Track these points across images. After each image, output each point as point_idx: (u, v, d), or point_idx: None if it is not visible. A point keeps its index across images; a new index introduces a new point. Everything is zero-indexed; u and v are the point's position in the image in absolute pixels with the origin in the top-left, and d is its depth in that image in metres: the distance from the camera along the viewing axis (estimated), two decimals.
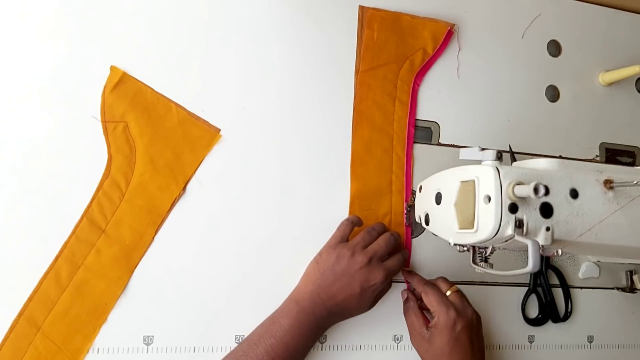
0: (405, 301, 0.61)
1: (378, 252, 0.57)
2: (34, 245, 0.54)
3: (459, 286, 0.59)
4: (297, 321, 0.53)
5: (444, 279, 0.60)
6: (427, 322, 0.57)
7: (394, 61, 0.65)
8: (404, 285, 0.63)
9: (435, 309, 0.56)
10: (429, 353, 0.56)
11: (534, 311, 0.68)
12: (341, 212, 0.62)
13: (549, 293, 0.68)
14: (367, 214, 0.62)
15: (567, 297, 0.68)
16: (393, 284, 0.61)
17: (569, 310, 0.68)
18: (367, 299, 0.56)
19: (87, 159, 0.56)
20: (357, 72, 0.64)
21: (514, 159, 0.66)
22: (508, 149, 0.66)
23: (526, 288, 0.67)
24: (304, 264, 0.60)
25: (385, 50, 0.65)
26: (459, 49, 0.68)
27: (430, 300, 0.57)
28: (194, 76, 0.60)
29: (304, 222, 0.61)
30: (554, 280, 0.68)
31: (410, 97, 0.65)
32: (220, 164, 0.60)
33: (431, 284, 0.59)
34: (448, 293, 0.58)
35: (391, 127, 0.64)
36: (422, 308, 0.59)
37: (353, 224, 0.60)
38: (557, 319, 0.67)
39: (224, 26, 0.61)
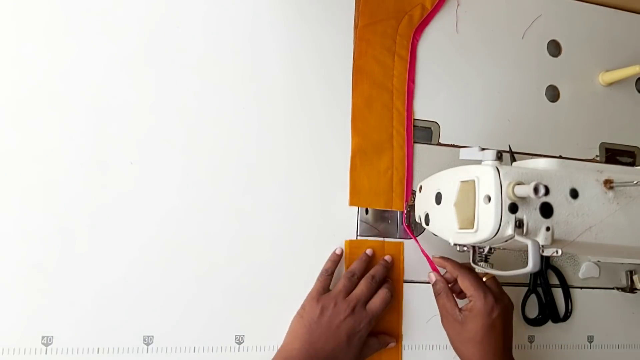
0: (435, 284, 0.59)
1: (361, 298, 0.57)
2: (34, 245, 0.54)
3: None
4: None
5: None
6: (457, 304, 0.57)
7: (393, 16, 0.65)
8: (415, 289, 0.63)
9: (472, 293, 0.54)
10: (460, 336, 0.55)
11: (533, 311, 0.67)
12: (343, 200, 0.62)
13: (548, 293, 0.67)
14: (368, 168, 0.62)
15: (567, 297, 0.68)
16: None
17: (569, 310, 0.68)
18: (354, 347, 0.56)
19: (88, 159, 0.56)
20: (355, 27, 0.65)
21: (513, 159, 0.66)
22: (508, 149, 0.66)
23: (526, 288, 0.67)
24: (304, 264, 0.60)
25: (384, 5, 0.65)
26: (458, 5, 0.68)
27: (466, 284, 0.55)
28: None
29: (306, 222, 0.61)
30: (554, 280, 0.68)
31: (410, 52, 0.65)
32: (218, 164, 0.60)
33: (467, 268, 0.57)
34: (484, 279, 0.57)
35: (391, 83, 0.64)
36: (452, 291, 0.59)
37: (331, 273, 0.59)
38: (557, 319, 0.67)
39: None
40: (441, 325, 0.58)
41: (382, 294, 0.58)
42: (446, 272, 0.60)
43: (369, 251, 0.61)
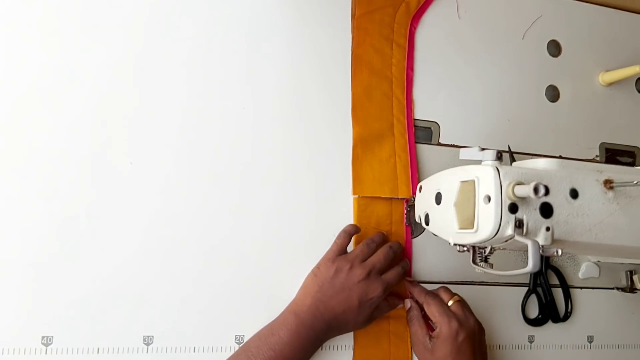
0: (409, 310, 0.60)
1: (377, 265, 0.57)
2: (34, 245, 0.54)
3: (459, 286, 0.59)
4: (297, 334, 0.53)
5: (446, 289, 0.59)
6: (430, 330, 0.57)
7: (390, 4, 0.65)
8: None
9: (437, 320, 0.56)
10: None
11: (534, 311, 0.67)
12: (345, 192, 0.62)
13: (548, 293, 0.67)
14: (370, 157, 0.63)
15: (567, 297, 0.68)
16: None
17: (569, 310, 0.68)
18: (364, 313, 0.56)
19: (88, 159, 0.56)
20: (353, 16, 0.65)
21: (513, 159, 0.67)
22: (507, 150, 0.66)
23: (526, 288, 0.67)
24: (305, 264, 0.60)
25: None
26: None
27: (432, 311, 0.56)
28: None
29: (306, 222, 0.61)
30: (554, 280, 0.68)
31: (408, 40, 0.65)
32: (217, 164, 0.60)
33: (432, 294, 0.58)
34: (450, 303, 0.57)
35: (390, 71, 0.64)
36: (426, 317, 0.59)
37: (350, 235, 0.59)
38: (557, 319, 0.67)
39: None
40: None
41: (397, 268, 0.59)
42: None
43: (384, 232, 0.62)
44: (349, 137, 0.63)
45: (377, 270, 0.57)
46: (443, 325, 0.55)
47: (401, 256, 0.61)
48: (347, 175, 0.63)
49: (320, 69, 0.64)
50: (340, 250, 0.58)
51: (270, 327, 0.55)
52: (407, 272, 0.60)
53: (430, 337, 0.56)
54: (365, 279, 0.55)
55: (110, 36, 0.58)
